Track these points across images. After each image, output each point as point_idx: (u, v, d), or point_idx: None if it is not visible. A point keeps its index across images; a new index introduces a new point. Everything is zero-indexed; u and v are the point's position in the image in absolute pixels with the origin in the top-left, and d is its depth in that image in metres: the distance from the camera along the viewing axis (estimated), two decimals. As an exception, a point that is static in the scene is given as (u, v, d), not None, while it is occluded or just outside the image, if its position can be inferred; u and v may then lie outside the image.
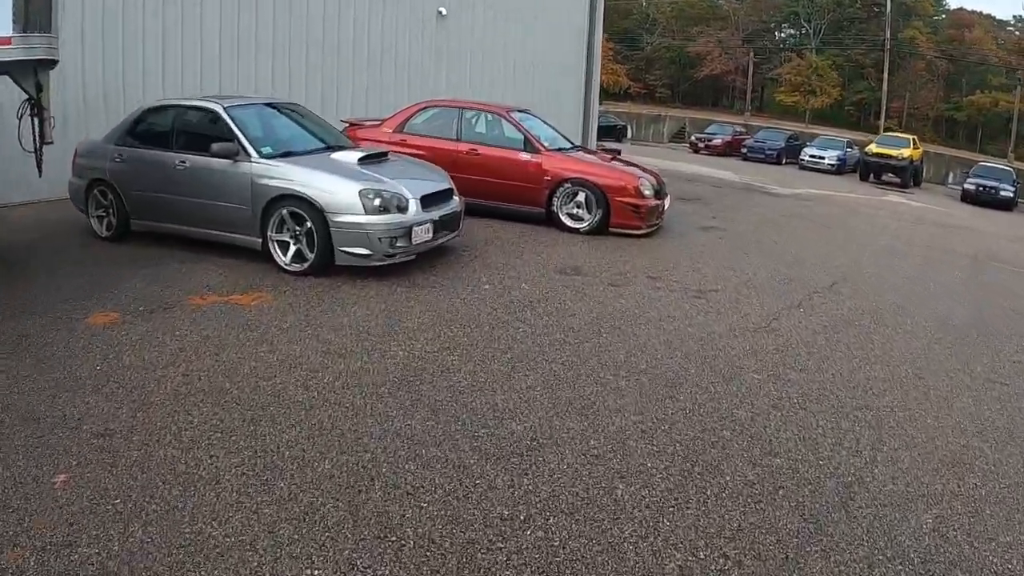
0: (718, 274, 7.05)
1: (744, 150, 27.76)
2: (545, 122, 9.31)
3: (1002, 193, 21.21)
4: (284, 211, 5.76)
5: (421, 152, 8.49)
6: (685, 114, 42.92)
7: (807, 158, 25.89)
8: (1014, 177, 21.93)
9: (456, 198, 6.56)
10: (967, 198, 21.60)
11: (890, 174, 23.61)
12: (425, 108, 9.03)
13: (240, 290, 5.49)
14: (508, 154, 8.34)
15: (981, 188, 21.38)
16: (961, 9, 54.56)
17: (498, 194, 8.40)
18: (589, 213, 8.12)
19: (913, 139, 25.16)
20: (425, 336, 4.73)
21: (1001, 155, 42.80)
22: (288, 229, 5.81)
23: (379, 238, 5.56)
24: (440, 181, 6.52)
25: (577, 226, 8.15)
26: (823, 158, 25.40)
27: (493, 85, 14.01)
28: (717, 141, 28.81)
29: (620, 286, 6.22)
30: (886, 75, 43.12)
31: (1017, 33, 51.54)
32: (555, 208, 8.18)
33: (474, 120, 9.02)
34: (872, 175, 23.90)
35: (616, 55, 52.22)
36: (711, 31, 56.53)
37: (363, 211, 5.54)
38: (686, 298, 6.09)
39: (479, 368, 4.28)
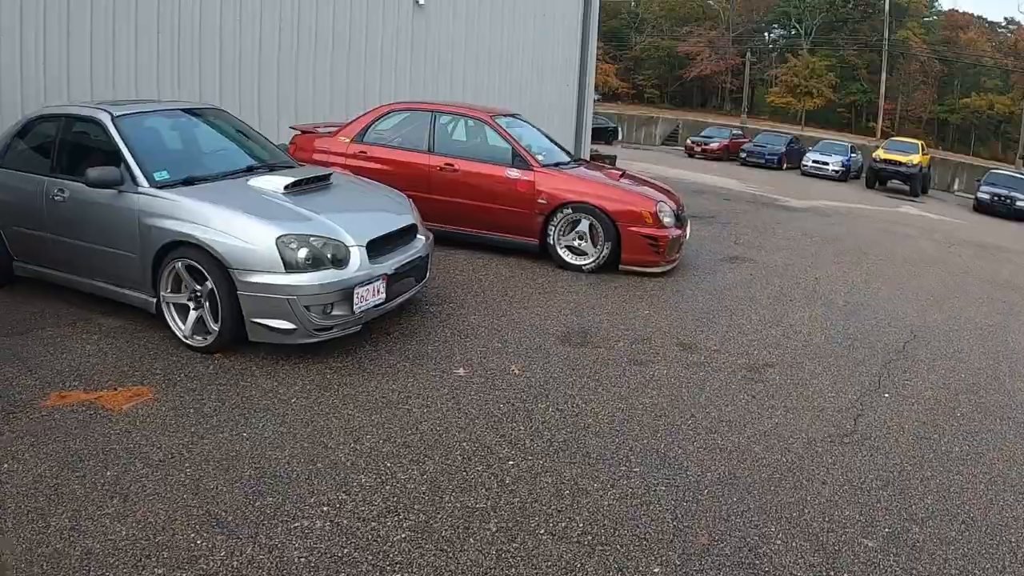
0: (766, 334, 5.44)
1: (743, 154, 26.29)
2: (538, 129, 7.66)
3: (1018, 203, 19.84)
4: (179, 264, 4.09)
5: (384, 168, 6.83)
6: (678, 115, 41.47)
7: (810, 164, 24.45)
8: (1031, 184, 20.64)
9: (421, 237, 4.87)
10: (982, 208, 20.22)
11: (897, 181, 22.22)
12: (390, 112, 7.33)
13: (116, 380, 3.80)
14: (492, 170, 6.67)
15: (996, 198, 20.00)
16: (954, 10, 53.57)
17: (480, 221, 6.75)
18: (594, 246, 6.49)
19: (921, 144, 23.77)
20: (363, 481, 3.05)
21: (992, 158, 41.91)
22: (187, 288, 4.13)
23: (306, 306, 3.88)
24: (398, 214, 4.80)
25: (579, 263, 6.52)
26: (827, 164, 23.97)
27: (478, 85, 12.35)
28: (714, 145, 27.31)
29: (645, 364, 4.58)
30: (884, 76, 41.90)
31: (1011, 35, 50.54)
32: (552, 239, 6.54)
33: (451, 127, 7.36)
34: (879, 182, 22.49)
35: (604, 55, 50.74)
36: (701, 31, 55.26)
37: (282, 266, 3.85)
38: (736, 380, 4.46)
39: (444, 559, 2.62)
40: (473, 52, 12.30)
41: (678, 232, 6.63)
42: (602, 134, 26.01)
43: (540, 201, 6.50)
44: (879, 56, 48.47)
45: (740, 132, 30.15)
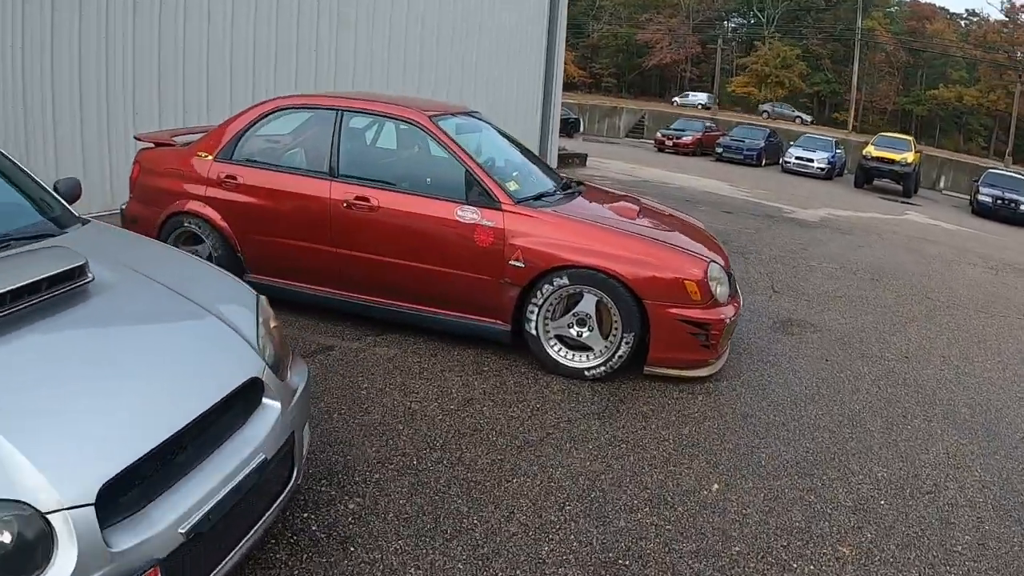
0: (919, 520, 2.97)
1: (719, 149, 24.09)
2: (508, 138, 5.05)
3: (1023, 207, 18.00)
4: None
5: (261, 204, 4.26)
6: (642, 105, 39.21)
7: (793, 160, 22.35)
8: (1035, 188, 18.84)
9: (271, 405, 2.18)
10: (982, 212, 18.33)
11: (888, 180, 20.28)
12: (276, 111, 4.62)
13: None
14: (434, 208, 4.04)
15: (1000, 201, 18.13)
16: (918, 1, 52.48)
17: (414, 291, 4.15)
18: (604, 337, 3.96)
19: (912, 141, 21.87)
20: None
21: (955, 150, 40.78)
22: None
23: None
24: (214, 372, 2.07)
25: (579, 364, 3.99)
26: (812, 161, 21.88)
27: (420, 71, 9.67)
28: (687, 138, 25.05)
29: None
30: (856, 66, 40.26)
31: (974, 27, 49.63)
32: (533, 325, 3.97)
33: (369, 134, 4.73)
34: (867, 181, 20.53)
35: (562, 41, 48.20)
36: (660, 19, 53.22)
37: None
38: None
39: None
40: (414, 25, 9.60)
41: (733, 310, 4.12)
42: (563, 126, 23.50)
43: (514, 264, 3.90)
44: (843, 46, 47.05)
45: (713, 125, 27.94)
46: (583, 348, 4.00)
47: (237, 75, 7.24)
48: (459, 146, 4.10)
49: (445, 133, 4.16)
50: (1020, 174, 20.26)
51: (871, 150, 20.60)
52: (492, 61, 11.06)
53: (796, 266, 7.75)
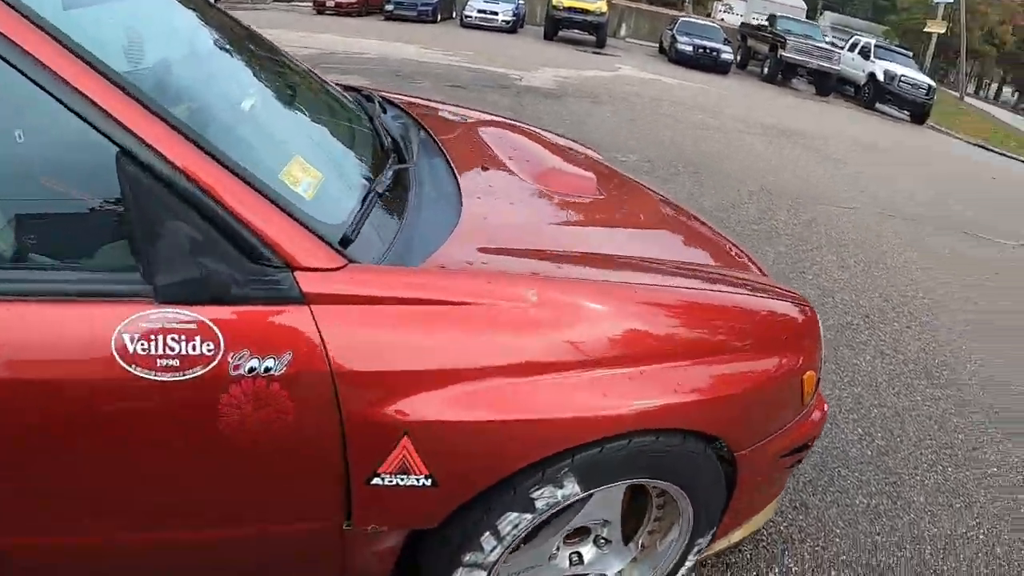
0: None
1: (389, 6, 20.95)
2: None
3: (723, 56, 18.26)
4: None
5: None
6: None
7: (475, 14, 20.21)
8: (724, 35, 19.26)
9: None
10: (682, 61, 18.27)
11: (579, 31, 19.39)
12: None
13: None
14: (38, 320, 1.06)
15: (701, 50, 18.19)
16: None
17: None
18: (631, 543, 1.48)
19: (599, -14, 21.01)
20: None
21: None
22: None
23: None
24: None
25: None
26: (496, 14, 19.98)
27: None
28: (349, -5, 21.36)
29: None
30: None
31: None
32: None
33: None
34: (556, 32, 19.42)
35: None
36: None
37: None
38: None
39: None
40: None
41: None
42: None
43: (387, 480, 1.14)
44: None
45: (374, -23, 24.36)
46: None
47: None
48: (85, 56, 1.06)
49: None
50: (709, 21, 20.68)
51: (562, 0, 19.30)
52: None
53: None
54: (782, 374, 1.54)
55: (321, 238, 1.05)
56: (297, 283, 1.03)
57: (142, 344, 0.98)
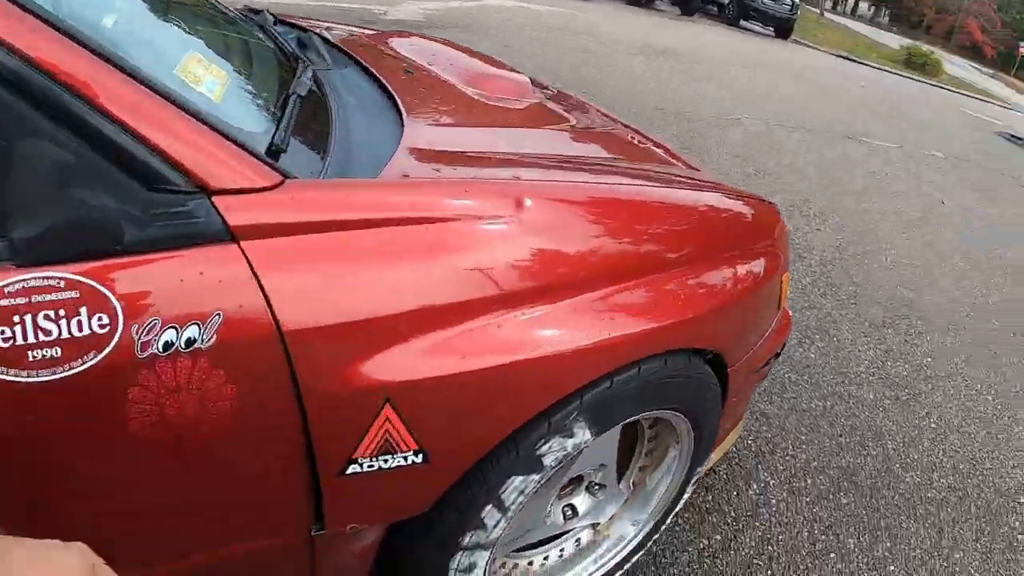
0: None
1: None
2: None
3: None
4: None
5: None
6: None
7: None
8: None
9: None
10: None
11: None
12: None
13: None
14: None
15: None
16: None
17: None
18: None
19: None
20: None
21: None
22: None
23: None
24: None
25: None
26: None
27: None
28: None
29: None
30: None
31: None
32: None
33: None
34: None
35: None
36: None
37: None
38: None
39: None
40: None
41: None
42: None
43: (366, 465, 0.88)
44: None
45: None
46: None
47: None
48: None
49: None
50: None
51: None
52: None
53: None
54: (767, 278, 1.40)
55: (243, 147, 0.76)
56: (218, 211, 0.73)
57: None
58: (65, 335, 0.68)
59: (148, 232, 0.71)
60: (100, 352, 0.70)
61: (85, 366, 0.69)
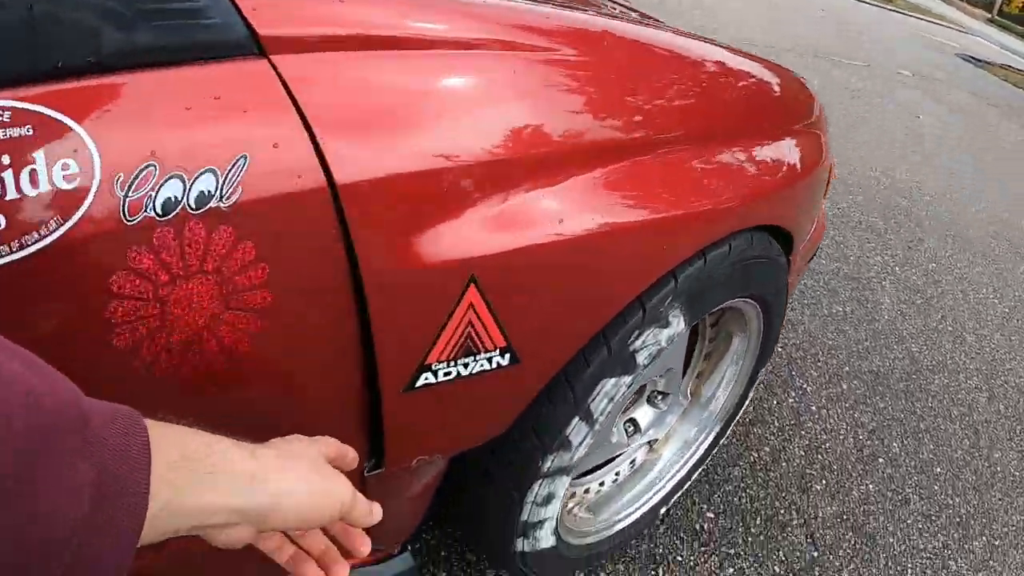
0: None
1: None
2: None
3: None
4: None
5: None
6: None
7: None
8: None
9: None
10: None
11: None
12: None
13: None
14: None
15: None
16: None
17: None
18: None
19: None
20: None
21: None
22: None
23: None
24: None
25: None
26: None
27: None
28: None
29: None
30: None
31: None
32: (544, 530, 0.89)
33: None
34: None
35: None
36: None
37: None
38: None
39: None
40: None
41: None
42: None
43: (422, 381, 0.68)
44: None
45: None
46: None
47: None
48: None
49: None
50: None
51: None
52: None
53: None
54: (824, 156, 1.22)
55: None
56: (239, 11, 0.51)
57: None
58: (12, 195, 0.44)
59: (137, 38, 0.47)
60: (65, 220, 0.46)
61: (41, 244, 0.45)
